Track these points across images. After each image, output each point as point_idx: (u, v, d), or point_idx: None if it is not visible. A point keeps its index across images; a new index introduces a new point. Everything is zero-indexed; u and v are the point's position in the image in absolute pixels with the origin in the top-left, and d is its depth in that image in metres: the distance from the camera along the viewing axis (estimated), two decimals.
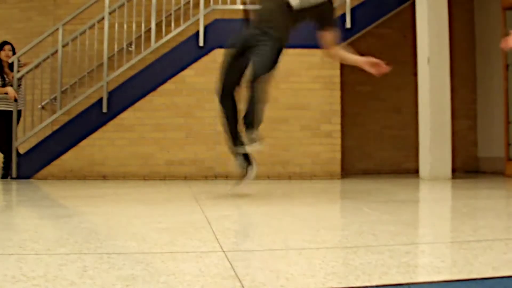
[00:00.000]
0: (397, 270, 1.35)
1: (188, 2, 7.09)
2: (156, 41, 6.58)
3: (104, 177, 6.40)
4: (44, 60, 6.60)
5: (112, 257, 1.54)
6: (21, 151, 6.58)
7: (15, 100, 6.48)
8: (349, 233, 2.01)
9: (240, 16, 6.79)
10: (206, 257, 1.53)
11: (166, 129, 6.42)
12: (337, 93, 6.57)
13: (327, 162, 6.51)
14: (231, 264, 1.42)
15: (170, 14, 7.06)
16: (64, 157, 6.41)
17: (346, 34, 6.61)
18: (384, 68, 3.66)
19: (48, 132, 6.61)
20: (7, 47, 6.78)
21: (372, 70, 3.69)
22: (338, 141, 6.56)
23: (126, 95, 6.48)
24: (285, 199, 3.63)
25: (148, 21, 6.83)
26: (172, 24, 6.76)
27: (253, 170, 3.63)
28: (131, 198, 3.81)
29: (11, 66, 6.62)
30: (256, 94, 3.52)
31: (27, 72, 6.67)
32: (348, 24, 6.55)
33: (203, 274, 1.32)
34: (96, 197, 3.86)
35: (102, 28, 6.66)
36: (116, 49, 6.82)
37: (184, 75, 6.49)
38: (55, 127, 6.55)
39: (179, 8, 7.05)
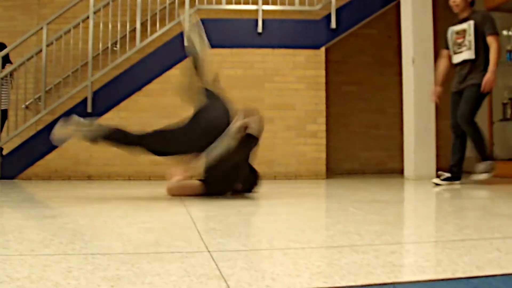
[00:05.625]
0: (382, 269, 1.35)
1: (174, 2, 7.07)
2: (141, 40, 6.56)
3: (89, 177, 6.37)
4: (28, 59, 6.55)
5: (97, 257, 1.53)
6: (5, 151, 6.53)
7: None
8: (334, 233, 2.02)
9: (225, 16, 6.81)
10: (192, 257, 1.53)
11: (150, 128, 6.38)
12: (322, 93, 6.59)
13: (312, 162, 6.53)
14: (216, 264, 1.42)
15: (155, 14, 7.05)
16: (49, 157, 6.36)
17: (331, 35, 6.64)
18: None
19: (32, 132, 6.56)
20: None
21: None
22: (323, 141, 6.58)
23: (111, 95, 6.45)
24: (270, 199, 3.63)
25: (133, 21, 6.80)
26: (158, 24, 6.75)
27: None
28: (116, 198, 3.79)
29: None
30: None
31: (11, 73, 6.62)
32: (333, 25, 6.57)
33: (188, 274, 1.31)
34: (81, 197, 3.83)
35: (86, 28, 6.63)
36: (101, 48, 6.79)
37: (169, 75, 6.47)
38: (40, 127, 6.50)
39: (164, 8, 7.04)
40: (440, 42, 5.45)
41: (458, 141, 5.01)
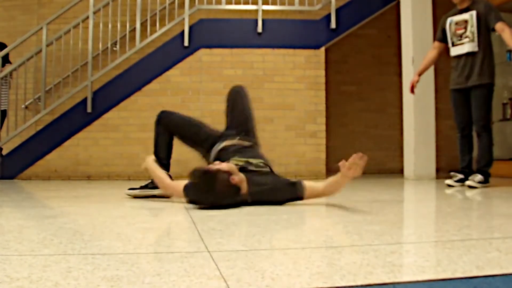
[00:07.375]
0: (382, 269, 1.35)
1: (173, 2, 7.08)
2: (141, 40, 6.56)
3: (89, 177, 6.37)
4: (28, 59, 6.55)
5: (96, 257, 1.53)
6: (5, 151, 6.53)
7: None
8: (334, 233, 2.01)
9: (225, 16, 6.82)
10: (191, 257, 1.53)
11: (151, 129, 6.35)
12: (322, 93, 6.59)
13: (312, 162, 6.53)
14: (216, 265, 1.42)
15: (155, 14, 7.05)
16: (48, 157, 6.36)
17: (331, 35, 6.64)
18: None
19: (32, 132, 6.56)
20: None
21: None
22: (323, 141, 6.58)
23: (110, 95, 6.45)
24: None
25: (133, 21, 6.80)
26: (157, 24, 6.75)
27: None
28: (115, 198, 3.79)
29: None
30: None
31: (10, 72, 6.62)
32: (333, 25, 6.57)
33: (188, 274, 1.31)
34: (80, 197, 3.83)
35: (86, 28, 6.63)
36: (100, 48, 6.79)
37: (169, 75, 6.47)
38: (39, 127, 6.51)
39: (164, 8, 7.05)
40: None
41: (466, 141, 4.89)
